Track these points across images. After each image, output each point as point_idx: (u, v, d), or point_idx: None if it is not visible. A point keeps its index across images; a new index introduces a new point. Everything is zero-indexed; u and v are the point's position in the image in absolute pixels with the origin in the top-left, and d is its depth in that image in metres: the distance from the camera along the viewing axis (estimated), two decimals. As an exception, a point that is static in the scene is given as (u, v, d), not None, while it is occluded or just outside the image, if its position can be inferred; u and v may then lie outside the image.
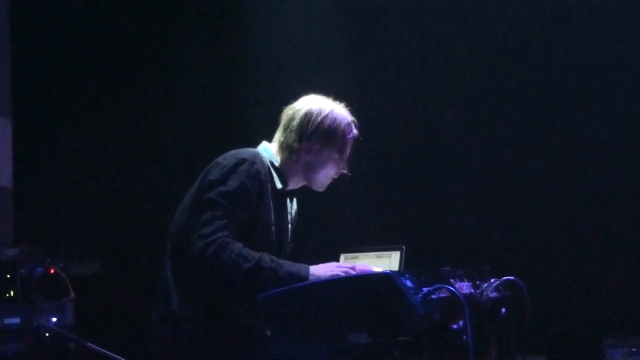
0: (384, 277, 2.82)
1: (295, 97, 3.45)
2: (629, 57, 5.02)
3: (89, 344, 4.52)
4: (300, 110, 3.37)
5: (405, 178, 5.33)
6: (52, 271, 4.74)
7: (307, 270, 3.08)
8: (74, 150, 5.73)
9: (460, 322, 2.84)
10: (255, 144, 3.41)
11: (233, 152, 3.31)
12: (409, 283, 2.80)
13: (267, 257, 3.08)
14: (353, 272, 3.07)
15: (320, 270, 3.09)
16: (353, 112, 3.48)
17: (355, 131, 3.41)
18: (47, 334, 4.62)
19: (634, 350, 4.54)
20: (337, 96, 3.47)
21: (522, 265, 3.92)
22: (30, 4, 5.90)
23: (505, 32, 5.25)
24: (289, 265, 3.10)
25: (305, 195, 3.62)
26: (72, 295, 4.75)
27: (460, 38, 5.33)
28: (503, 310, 3.10)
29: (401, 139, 5.38)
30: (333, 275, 3.05)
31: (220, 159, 3.28)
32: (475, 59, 5.28)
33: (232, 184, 3.16)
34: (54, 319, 4.68)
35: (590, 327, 4.81)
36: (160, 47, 5.82)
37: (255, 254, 3.07)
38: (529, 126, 5.15)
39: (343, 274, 3.06)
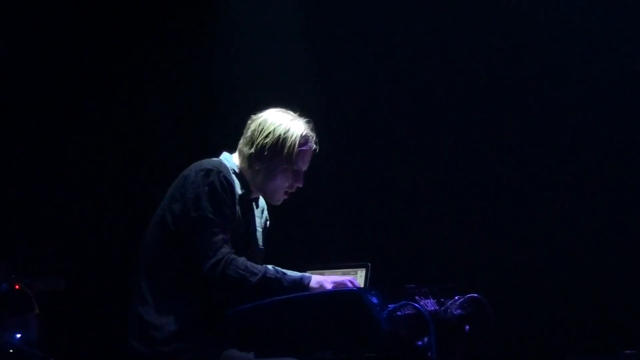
0: (351, 294, 2.86)
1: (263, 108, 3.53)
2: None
3: (53, 360, 4.49)
4: (257, 119, 3.48)
5: (370, 195, 5.35)
6: (17, 287, 4.71)
7: (310, 278, 3.21)
8: (37, 164, 5.68)
9: (425, 339, 2.88)
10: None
11: (196, 164, 3.39)
12: (374, 300, 2.85)
13: (271, 269, 3.22)
14: (350, 285, 3.16)
15: (322, 278, 3.22)
16: (319, 127, 3.54)
17: (310, 144, 3.47)
18: (10, 350, 4.58)
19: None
20: (303, 110, 3.54)
21: (487, 282, 3.94)
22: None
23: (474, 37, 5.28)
24: (292, 274, 3.23)
25: (270, 211, 3.66)
26: (37, 311, 4.71)
27: (430, 52, 5.34)
28: (467, 327, 3.14)
29: (366, 156, 5.40)
30: (333, 282, 3.17)
31: (186, 172, 3.36)
32: (449, 77, 5.28)
33: (210, 198, 3.25)
34: (18, 335, 4.65)
35: (553, 345, 4.85)
36: (125, 61, 5.79)
37: (260, 267, 3.21)
38: (493, 142, 5.18)
39: (349, 284, 3.17)
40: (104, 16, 5.74)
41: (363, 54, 5.48)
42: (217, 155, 3.52)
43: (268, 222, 3.67)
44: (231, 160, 3.48)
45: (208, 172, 3.30)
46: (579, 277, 4.88)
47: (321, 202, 5.30)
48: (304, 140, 3.44)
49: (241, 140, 3.50)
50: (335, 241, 5.19)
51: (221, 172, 3.32)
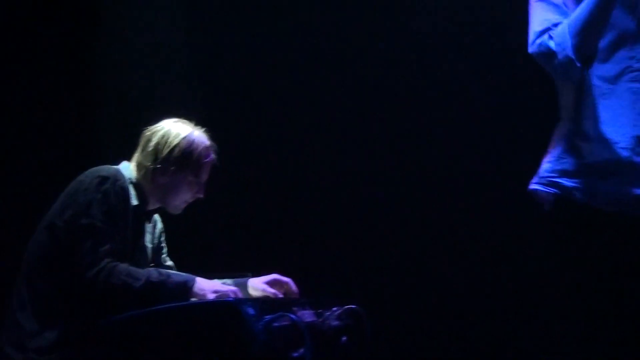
0: (227, 305, 2.85)
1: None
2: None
3: None
4: (158, 132, 3.44)
5: (251, 205, 5.32)
6: None
7: (194, 280, 3.17)
8: None
9: (301, 350, 2.88)
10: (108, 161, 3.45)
11: (93, 170, 3.33)
12: (251, 311, 2.84)
13: (154, 272, 3.18)
14: (232, 296, 3.15)
15: (206, 284, 3.18)
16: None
17: (213, 155, 3.49)
18: None
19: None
20: (189, 110, 3.55)
21: (367, 294, 3.98)
22: None
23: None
24: (176, 276, 3.20)
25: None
26: None
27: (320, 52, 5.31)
28: (344, 338, 3.15)
29: (248, 162, 5.34)
30: (216, 291, 3.14)
31: (81, 177, 3.30)
32: (341, 74, 5.28)
33: (103, 206, 3.20)
34: None
35: (428, 358, 4.92)
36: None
37: (142, 272, 3.16)
38: (375, 150, 5.21)
39: (232, 294, 3.15)
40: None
41: (252, 56, 5.44)
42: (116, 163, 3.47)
43: (163, 235, 3.66)
44: (129, 170, 3.43)
45: (104, 179, 3.26)
46: (457, 292, 4.95)
47: (202, 210, 5.24)
48: (208, 152, 3.47)
49: (139, 153, 3.45)
50: (217, 251, 5.14)
51: (117, 180, 3.28)
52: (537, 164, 3.15)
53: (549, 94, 3.27)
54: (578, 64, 2.89)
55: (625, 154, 2.92)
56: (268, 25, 5.42)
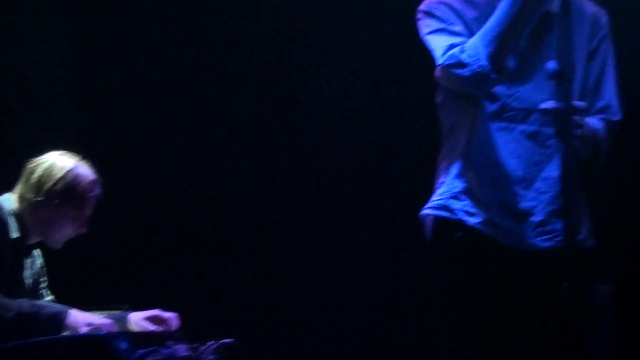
0: (97, 339, 2.81)
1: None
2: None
3: None
4: (42, 164, 3.39)
5: (133, 239, 5.25)
6: None
7: (67, 312, 3.13)
8: None
9: (175, 385, 2.87)
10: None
11: None
12: (123, 345, 2.81)
13: (26, 303, 3.12)
14: (105, 329, 3.07)
15: (80, 317, 3.14)
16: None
17: (97, 190, 3.45)
18: None
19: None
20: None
21: (243, 327, 3.97)
22: None
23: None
24: (49, 308, 3.15)
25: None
26: None
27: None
28: (218, 373, 3.15)
29: (133, 194, 5.26)
30: (90, 324, 3.09)
31: None
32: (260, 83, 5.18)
33: None
34: None
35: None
36: None
37: (14, 303, 3.10)
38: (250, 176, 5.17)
39: (105, 328, 3.09)
40: None
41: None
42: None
43: (44, 270, 3.58)
44: (10, 202, 3.37)
45: None
46: (335, 324, 4.98)
47: (83, 243, 5.16)
48: (92, 186, 3.43)
49: (22, 185, 3.39)
50: (96, 284, 5.05)
51: None
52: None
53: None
54: (493, 75, 2.88)
55: (494, 191, 2.99)
56: (154, 42, 5.34)
